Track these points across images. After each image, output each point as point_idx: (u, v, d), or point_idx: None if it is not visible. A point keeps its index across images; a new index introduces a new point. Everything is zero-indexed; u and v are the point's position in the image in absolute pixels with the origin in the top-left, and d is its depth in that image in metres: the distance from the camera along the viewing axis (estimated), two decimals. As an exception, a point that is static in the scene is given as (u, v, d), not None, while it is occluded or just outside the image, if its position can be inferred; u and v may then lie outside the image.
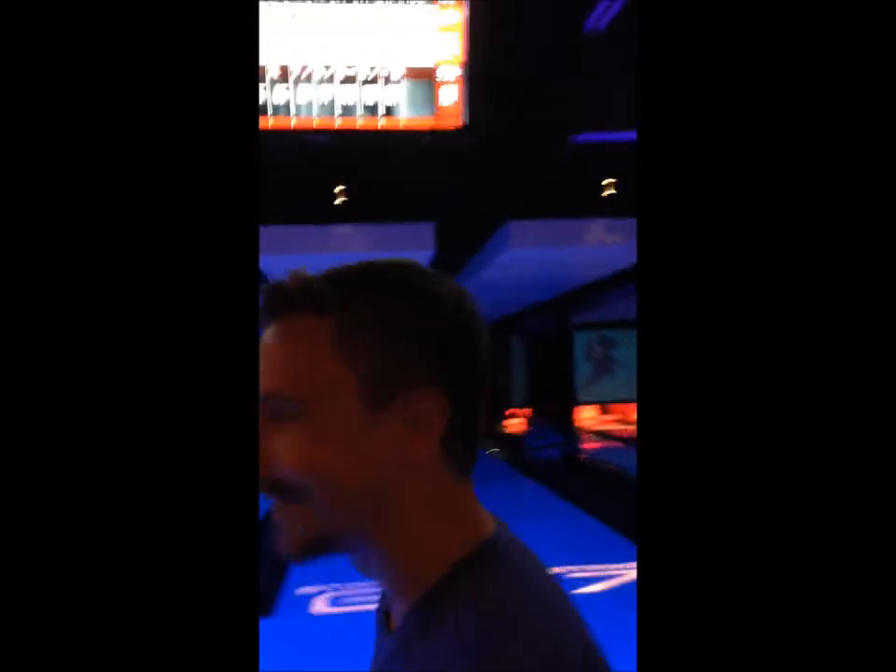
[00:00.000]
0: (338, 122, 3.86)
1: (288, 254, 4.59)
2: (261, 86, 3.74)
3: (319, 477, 0.46)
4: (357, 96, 3.84)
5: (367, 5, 3.69)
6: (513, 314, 7.25)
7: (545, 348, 7.56)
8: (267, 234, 3.98)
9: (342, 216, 4.84)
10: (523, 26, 3.77)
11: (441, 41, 3.80)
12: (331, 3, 3.67)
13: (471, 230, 4.37)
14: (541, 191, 4.36)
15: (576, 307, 6.43)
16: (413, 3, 3.71)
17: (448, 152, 4.09)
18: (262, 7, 3.64)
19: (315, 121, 3.84)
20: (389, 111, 3.88)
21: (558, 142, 4.37)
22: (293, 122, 3.83)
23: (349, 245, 4.54)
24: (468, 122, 3.87)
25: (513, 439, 6.78)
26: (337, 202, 5.00)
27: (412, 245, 4.52)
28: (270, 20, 3.65)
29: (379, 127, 3.89)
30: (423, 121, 3.90)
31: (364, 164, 4.83)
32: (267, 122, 3.78)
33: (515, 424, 7.21)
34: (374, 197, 4.85)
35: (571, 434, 6.87)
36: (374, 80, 3.83)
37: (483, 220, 4.18)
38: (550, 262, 4.24)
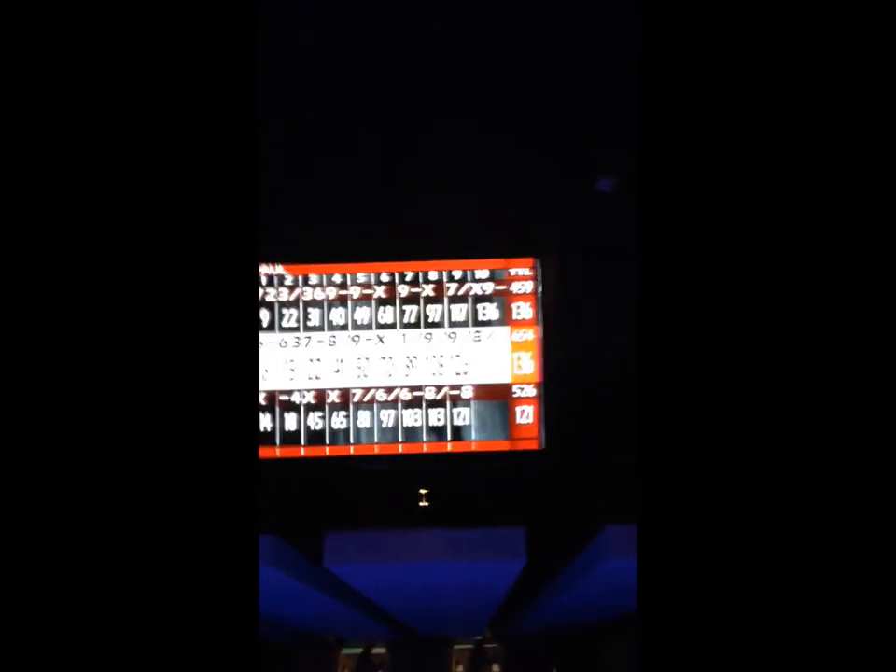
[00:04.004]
0: (401, 448, 3.47)
1: (372, 561, 3.98)
2: (318, 414, 3.44)
3: None
4: (423, 419, 3.48)
5: (434, 329, 3.44)
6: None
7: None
8: (340, 541, 3.40)
9: (422, 521, 4.31)
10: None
11: (515, 360, 3.47)
12: (396, 329, 3.44)
13: (562, 537, 3.79)
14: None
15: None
16: (487, 327, 3.45)
17: (528, 477, 3.63)
18: (319, 333, 3.44)
19: (376, 448, 3.46)
20: (457, 433, 3.49)
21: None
22: (351, 450, 3.46)
23: (432, 552, 3.91)
24: (545, 446, 3.43)
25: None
26: (420, 504, 4.50)
27: (501, 552, 3.88)
28: (322, 345, 3.44)
29: (448, 450, 3.49)
30: (496, 444, 3.47)
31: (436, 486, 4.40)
32: (324, 451, 3.44)
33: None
34: (455, 505, 4.35)
35: None
36: (442, 402, 3.48)
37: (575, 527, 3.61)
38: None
